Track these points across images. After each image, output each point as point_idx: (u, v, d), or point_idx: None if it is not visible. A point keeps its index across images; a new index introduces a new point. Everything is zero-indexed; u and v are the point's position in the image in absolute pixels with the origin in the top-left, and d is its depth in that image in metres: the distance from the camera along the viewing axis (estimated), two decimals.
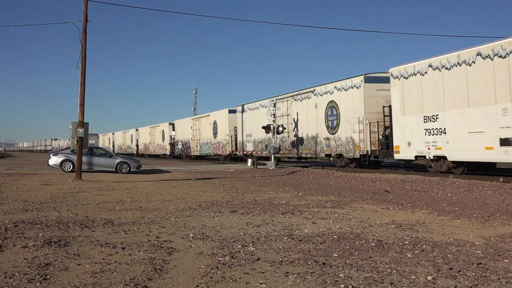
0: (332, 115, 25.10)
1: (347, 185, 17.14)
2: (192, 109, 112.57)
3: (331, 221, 8.72)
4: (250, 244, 6.62)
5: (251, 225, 8.27)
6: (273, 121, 29.53)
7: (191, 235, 7.33)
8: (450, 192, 13.80)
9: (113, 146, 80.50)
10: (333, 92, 25.04)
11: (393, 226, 8.24)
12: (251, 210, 10.22)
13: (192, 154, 48.96)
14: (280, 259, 5.74)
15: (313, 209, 10.40)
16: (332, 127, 25.09)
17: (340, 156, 24.85)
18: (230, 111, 39.45)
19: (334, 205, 11.27)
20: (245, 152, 36.03)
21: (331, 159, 27.74)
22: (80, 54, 19.30)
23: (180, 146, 52.44)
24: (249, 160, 31.02)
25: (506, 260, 5.72)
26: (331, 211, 10.17)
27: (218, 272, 5.18)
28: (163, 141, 57.66)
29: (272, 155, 28.52)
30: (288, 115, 29.94)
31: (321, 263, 5.56)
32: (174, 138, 54.60)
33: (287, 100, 29.96)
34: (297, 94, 28.85)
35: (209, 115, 44.44)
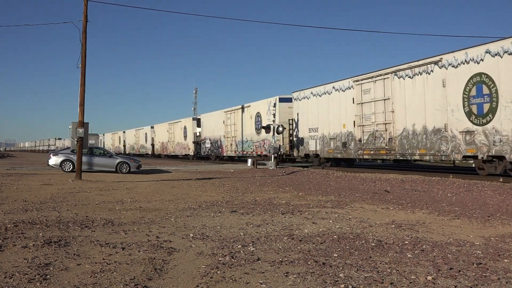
0: (481, 95, 16.55)
1: (347, 185, 17.13)
2: (192, 109, 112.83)
3: (331, 221, 8.72)
4: (250, 244, 6.62)
5: (251, 225, 8.27)
6: (273, 121, 29.52)
7: (191, 235, 7.33)
8: (450, 192, 13.79)
9: (124, 146, 73.66)
10: (481, 60, 16.55)
11: (393, 226, 8.24)
12: (251, 210, 10.22)
13: (224, 154, 40.29)
14: (280, 259, 5.74)
15: (313, 209, 10.40)
16: (480, 114, 16.56)
17: (494, 159, 16.38)
18: (282, 100, 30.71)
19: (334, 205, 11.27)
20: (307, 152, 27.58)
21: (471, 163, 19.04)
22: (80, 54, 19.30)
23: (208, 145, 43.51)
24: (249, 160, 30.94)
25: (506, 260, 5.72)
26: (331, 211, 10.17)
27: (218, 272, 5.18)
28: (185, 139, 49.45)
29: (272, 155, 28.47)
30: (385, 99, 21.05)
31: (321, 263, 5.56)
32: (200, 136, 46.00)
33: (383, 79, 21.27)
34: (405, 69, 20.05)
35: (249, 105, 35.46)
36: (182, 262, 5.65)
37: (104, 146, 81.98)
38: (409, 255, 5.98)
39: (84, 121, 19.26)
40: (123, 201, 11.84)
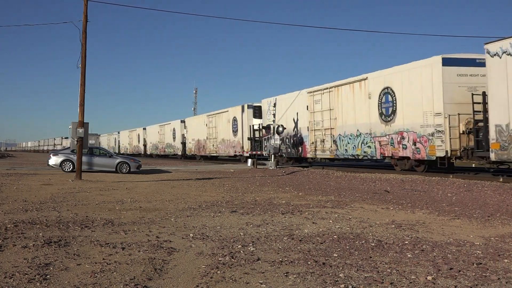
0: None
1: (347, 185, 17.13)
2: (192, 109, 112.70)
3: (331, 221, 8.72)
4: (250, 244, 6.62)
5: (251, 225, 8.27)
6: (273, 121, 29.46)
7: (191, 235, 7.33)
8: (450, 192, 13.79)
9: (145, 145, 63.19)
10: None
11: (393, 226, 8.24)
12: (251, 210, 10.22)
13: (308, 155, 27.44)
14: (280, 259, 5.74)
15: (313, 209, 10.40)
16: None
17: None
18: (449, 62, 17.98)
19: (334, 205, 11.27)
20: None
21: None
22: (80, 54, 19.31)
23: (275, 142, 28.47)
24: (249, 160, 30.83)
25: (506, 260, 5.72)
26: (331, 211, 10.17)
27: (218, 272, 5.18)
28: (234, 135, 36.98)
29: (272, 155, 28.47)
30: None
31: (321, 263, 5.56)
32: (260, 130, 33.39)
33: None
34: None
35: (365, 78, 22.31)
36: (182, 262, 5.65)
37: (119, 146, 74.00)
38: (409, 255, 5.98)
39: (84, 121, 19.27)
40: (123, 201, 11.84)
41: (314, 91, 26.52)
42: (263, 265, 5.47)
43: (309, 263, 5.56)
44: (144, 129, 63.92)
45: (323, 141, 25.65)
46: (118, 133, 77.31)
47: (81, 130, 19.00)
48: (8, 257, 5.79)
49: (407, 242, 6.78)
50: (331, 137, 25.04)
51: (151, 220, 8.85)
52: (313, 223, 8.55)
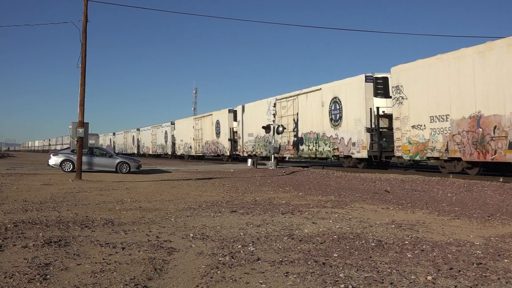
0: None
1: (347, 185, 17.13)
2: (192, 109, 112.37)
3: (331, 221, 8.72)
4: (250, 244, 6.62)
5: (251, 225, 8.27)
6: (273, 121, 29.47)
7: (191, 235, 7.33)
8: (450, 192, 13.79)
9: (234, 138, 37.47)
10: None
11: (393, 226, 8.24)
12: (251, 210, 10.22)
13: None
14: (280, 259, 5.74)
15: (313, 209, 10.40)
16: None
17: None
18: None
19: (334, 205, 11.27)
20: None
21: None
22: (80, 54, 19.30)
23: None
24: (249, 160, 30.81)
25: (506, 260, 5.72)
26: (331, 211, 10.17)
27: (218, 272, 5.18)
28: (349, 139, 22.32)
29: (272, 155, 28.47)
30: None
31: (321, 263, 5.56)
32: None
33: None
34: None
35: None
36: (182, 262, 5.65)
37: (174, 144, 51.87)
38: (409, 255, 5.98)
39: (84, 121, 19.27)
40: (123, 201, 11.84)
41: None
42: (263, 265, 5.47)
43: (309, 263, 5.56)
44: (232, 111, 36.95)
45: None
46: (172, 124, 52.53)
47: (81, 130, 19.00)
48: (8, 257, 5.79)
49: (407, 242, 6.78)
50: None
51: (151, 220, 8.85)
52: (313, 223, 8.55)
